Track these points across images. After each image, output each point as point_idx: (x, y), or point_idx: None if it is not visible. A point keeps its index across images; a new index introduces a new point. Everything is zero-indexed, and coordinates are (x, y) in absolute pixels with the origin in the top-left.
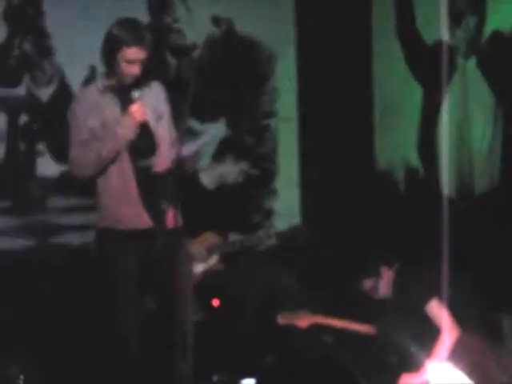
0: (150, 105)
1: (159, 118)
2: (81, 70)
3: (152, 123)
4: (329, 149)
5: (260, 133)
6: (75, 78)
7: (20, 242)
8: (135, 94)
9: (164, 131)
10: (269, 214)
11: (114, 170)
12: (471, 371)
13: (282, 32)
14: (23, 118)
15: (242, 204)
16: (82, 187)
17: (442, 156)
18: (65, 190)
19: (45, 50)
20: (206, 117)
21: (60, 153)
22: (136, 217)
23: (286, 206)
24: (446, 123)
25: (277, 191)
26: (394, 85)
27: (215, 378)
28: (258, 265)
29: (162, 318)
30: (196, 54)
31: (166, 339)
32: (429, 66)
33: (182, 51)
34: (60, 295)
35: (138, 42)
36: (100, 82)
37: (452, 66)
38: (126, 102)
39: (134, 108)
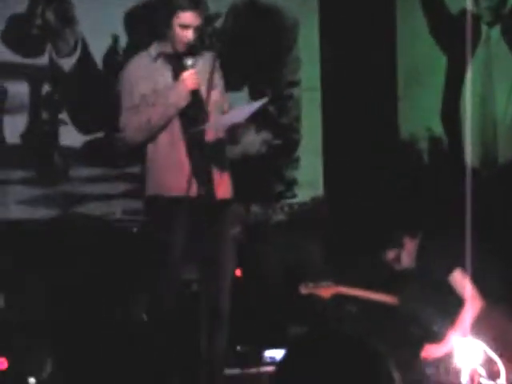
0: (203, 74)
1: (211, 87)
2: (103, 39)
3: (204, 92)
4: (352, 118)
5: (283, 102)
6: (98, 47)
7: (43, 212)
8: (188, 61)
9: (216, 101)
10: (292, 184)
11: (164, 137)
12: (494, 342)
13: (305, 0)
14: (46, 88)
15: (265, 174)
16: (105, 157)
17: (466, 125)
18: (88, 159)
19: (67, 20)
20: (229, 86)
21: (82, 123)
22: (185, 185)
23: (309, 176)
24: (470, 93)
25: (300, 161)
26: (418, 54)
27: (238, 348)
28: (280, 235)
29: (204, 289)
30: (219, 23)
31: (205, 310)
32: (453, 36)
33: (206, 21)
34: (85, 265)
35: (193, 6)
36: (153, 49)
37: (476, 35)
38: (178, 69)
39: (187, 75)
